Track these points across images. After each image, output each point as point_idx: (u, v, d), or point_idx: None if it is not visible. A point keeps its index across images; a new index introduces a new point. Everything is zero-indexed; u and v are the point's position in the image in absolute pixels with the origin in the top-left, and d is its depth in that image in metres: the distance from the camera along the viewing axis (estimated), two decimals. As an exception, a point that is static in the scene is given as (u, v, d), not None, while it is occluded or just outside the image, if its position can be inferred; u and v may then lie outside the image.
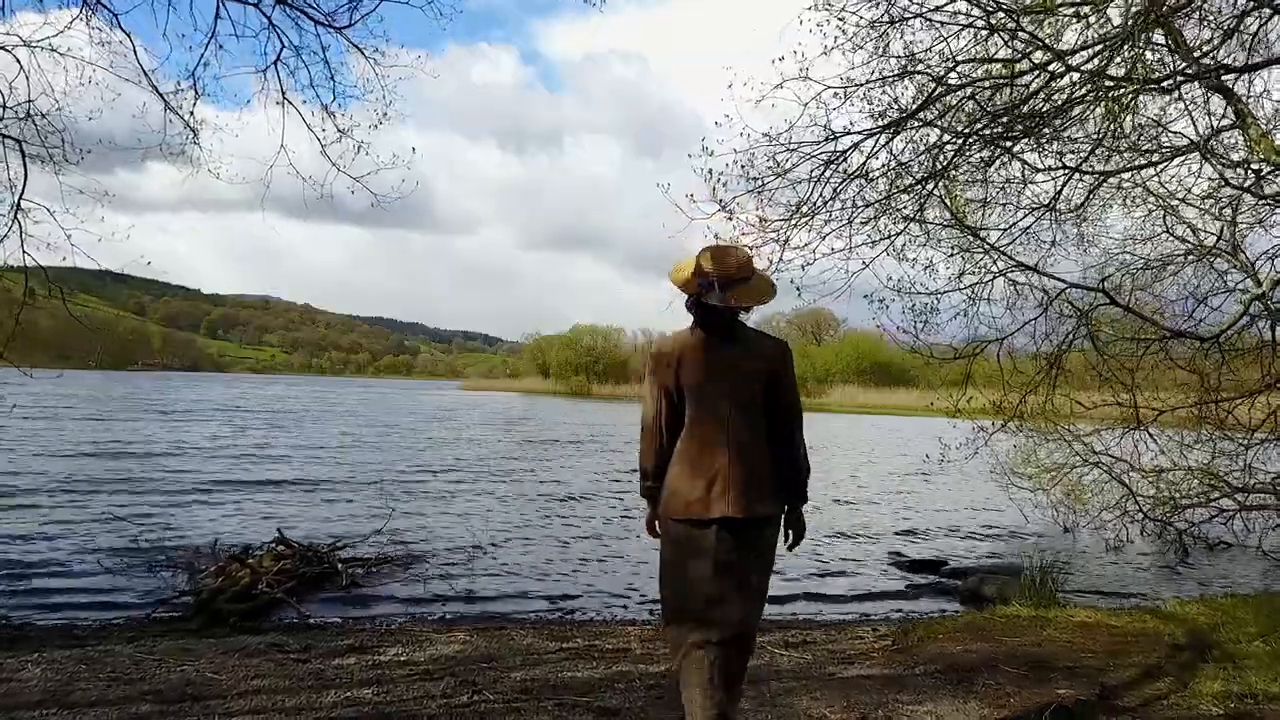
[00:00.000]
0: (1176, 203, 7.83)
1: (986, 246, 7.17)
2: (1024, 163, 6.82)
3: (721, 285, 2.53)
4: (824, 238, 6.30)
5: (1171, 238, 8.20)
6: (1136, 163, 7.08)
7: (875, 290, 7.21)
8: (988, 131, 5.95)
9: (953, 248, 7.55)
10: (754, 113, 6.11)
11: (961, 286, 7.35)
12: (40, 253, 5.25)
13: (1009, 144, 6.09)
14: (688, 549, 2.53)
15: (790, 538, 2.73)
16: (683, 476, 2.58)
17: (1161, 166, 7.14)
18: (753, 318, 2.96)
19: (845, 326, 65.28)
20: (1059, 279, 7.53)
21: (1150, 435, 8.67)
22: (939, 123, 6.11)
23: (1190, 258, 8.22)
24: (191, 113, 6.30)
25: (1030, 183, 7.39)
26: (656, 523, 2.73)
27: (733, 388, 2.58)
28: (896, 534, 9.82)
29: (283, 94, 5.84)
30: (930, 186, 6.27)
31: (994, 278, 7.60)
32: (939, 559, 8.23)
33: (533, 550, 7.96)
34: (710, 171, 6.73)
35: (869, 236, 6.84)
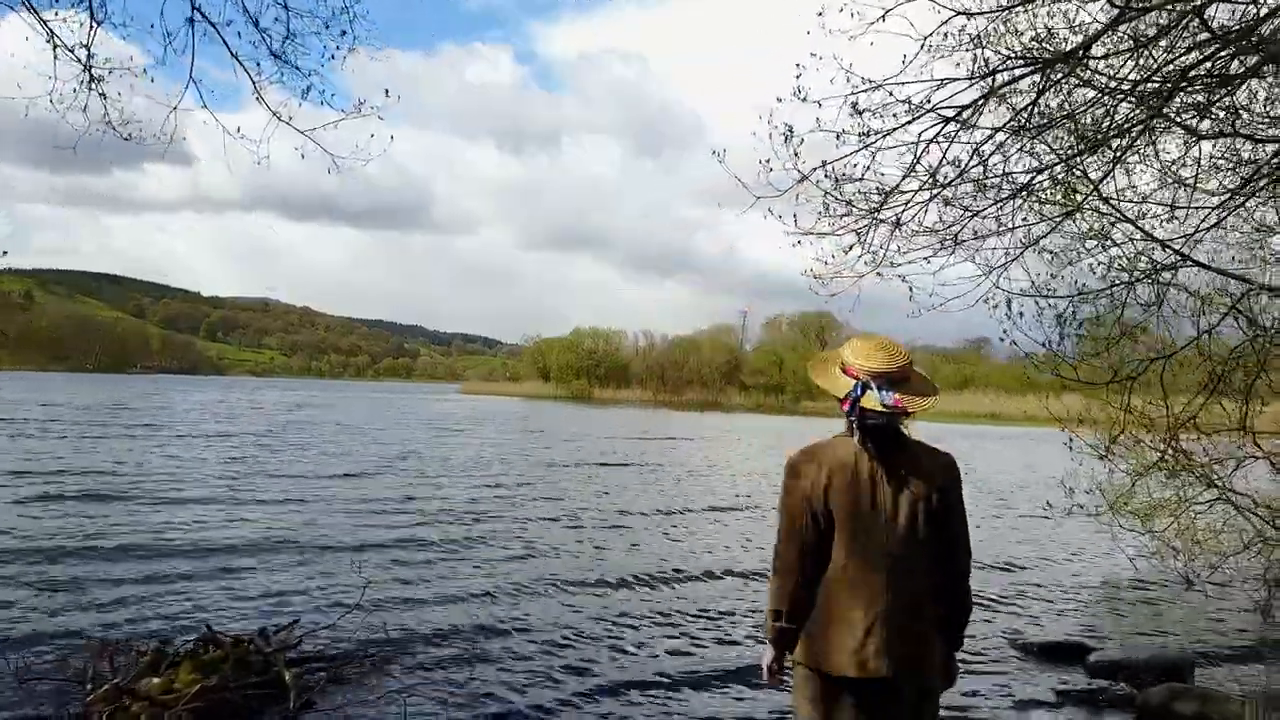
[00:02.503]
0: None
1: (1161, 242, 5.39)
2: (1185, 129, 4.99)
3: (879, 385, 2.18)
4: (973, 216, 4.49)
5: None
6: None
7: (989, 293, 5.46)
8: (1209, 64, 4.14)
9: (1098, 237, 5.81)
10: (849, 49, 4.22)
11: (1121, 284, 5.58)
12: None
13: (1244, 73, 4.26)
14: (834, 710, 2.16)
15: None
16: (831, 621, 2.18)
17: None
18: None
19: (846, 330, 63.81)
20: (1245, 279, 5.78)
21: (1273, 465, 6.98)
22: (1133, 55, 4.30)
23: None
24: (87, 47, 4.64)
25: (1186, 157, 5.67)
26: (786, 671, 2.37)
27: (895, 513, 2.18)
28: (989, 594, 7.95)
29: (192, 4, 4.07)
30: (1123, 144, 4.46)
31: (1143, 278, 5.86)
32: (1071, 640, 6.39)
33: (549, 635, 6.09)
34: (790, 130, 4.97)
35: (1009, 222, 5.07)
